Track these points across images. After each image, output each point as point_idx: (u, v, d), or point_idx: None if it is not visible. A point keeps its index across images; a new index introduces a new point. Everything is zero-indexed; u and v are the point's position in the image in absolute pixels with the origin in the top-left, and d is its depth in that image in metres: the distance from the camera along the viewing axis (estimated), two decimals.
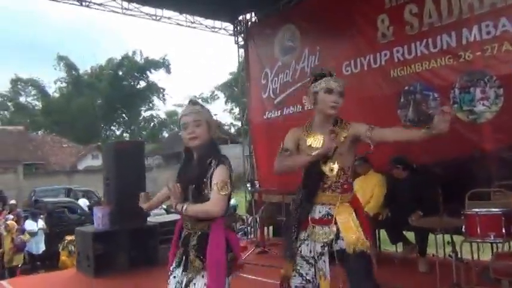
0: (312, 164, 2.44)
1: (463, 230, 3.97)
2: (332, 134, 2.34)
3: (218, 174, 2.28)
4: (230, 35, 8.60)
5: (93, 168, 24.03)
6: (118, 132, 40.89)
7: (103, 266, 5.69)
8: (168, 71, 39.04)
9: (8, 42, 51.89)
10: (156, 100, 40.93)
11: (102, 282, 5.49)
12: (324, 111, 2.49)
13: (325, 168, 2.44)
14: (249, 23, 8.41)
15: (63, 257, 8.60)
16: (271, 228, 7.76)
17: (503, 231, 3.76)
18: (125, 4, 7.32)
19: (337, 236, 2.38)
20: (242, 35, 8.45)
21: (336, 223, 2.39)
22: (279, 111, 7.53)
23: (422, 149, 5.38)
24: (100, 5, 7.13)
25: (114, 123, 41.25)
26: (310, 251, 2.44)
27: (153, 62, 38.50)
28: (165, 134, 41.06)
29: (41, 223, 9.58)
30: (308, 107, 2.66)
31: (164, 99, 40.83)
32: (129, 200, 5.77)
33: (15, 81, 37.57)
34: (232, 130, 35.31)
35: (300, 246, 2.46)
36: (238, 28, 8.48)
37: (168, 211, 9.42)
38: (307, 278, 2.44)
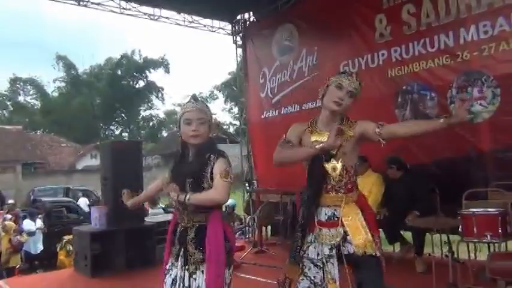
0: (314, 163, 2.37)
1: (460, 230, 3.96)
2: (339, 131, 2.28)
3: (220, 165, 2.33)
4: (228, 34, 8.59)
5: (91, 168, 24.00)
6: (117, 132, 40.91)
7: (100, 265, 5.68)
8: (167, 70, 39.07)
9: (7, 41, 51.80)
10: (155, 100, 40.97)
11: (99, 282, 5.49)
12: (327, 105, 2.43)
13: (328, 167, 2.38)
14: (247, 22, 8.42)
15: (61, 257, 8.59)
16: (269, 228, 7.77)
17: (500, 231, 3.75)
18: (123, 4, 7.31)
19: (345, 238, 2.34)
20: (240, 34, 8.45)
21: (342, 225, 2.34)
22: (277, 111, 7.54)
23: (420, 149, 5.40)
24: (98, 4, 7.12)
25: (113, 123, 41.24)
26: (318, 254, 2.38)
27: (152, 61, 38.49)
28: (164, 134, 41.04)
29: (39, 223, 9.55)
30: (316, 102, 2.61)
31: (163, 99, 40.86)
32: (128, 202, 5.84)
33: (14, 81, 37.55)
34: (232, 130, 35.31)
35: (307, 248, 2.40)
36: (237, 28, 8.48)
37: (166, 211, 9.41)
38: (315, 281, 2.38)
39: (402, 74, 5.66)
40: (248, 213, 8.02)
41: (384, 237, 5.30)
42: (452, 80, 5.16)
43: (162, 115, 42.97)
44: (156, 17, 7.76)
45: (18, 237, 8.47)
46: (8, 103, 38.35)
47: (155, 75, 42.36)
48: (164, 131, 42.37)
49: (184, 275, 2.35)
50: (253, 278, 5.25)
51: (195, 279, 2.32)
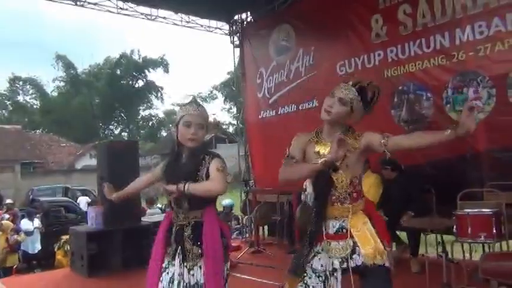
0: (319, 175, 2.30)
1: (454, 230, 3.97)
2: (340, 141, 2.18)
3: (215, 164, 2.40)
4: (226, 34, 8.60)
5: (90, 168, 23.93)
6: (116, 132, 40.87)
7: (97, 265, 5.69)
8: (167, 70, 39.01)
9: (7, 41, 51.78)
10: (154, 99, 40.93)
11: (95, 281, 5.50)
12: (321, 115, 2.39)
13: (336, 179, 2.33)
14: (245, 22, 8.42)
15: (59, 257, 8.57)
16: (266, 227, 7.77)
17: (494, 231, 3.76)
18: (120, 4, 7.32)
19: (353, 250, 2.27)
20: (238, 34, 8.45)
21: (351, 236, 2.28)
22: (274, 111, 7.55)
23: (417, 149, 5.38)
24: (95, 4, 7.13)
25: (113, 122, 41.21)
26: (322, 265, 2.33)
27: (151, 61, 38.43)
28: (164, 133, 41.02)
29: (36, 222, 9.53)
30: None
31: (162, 99, 40.81)
32: (123, 200, 5.84)
33: (13, 80, 37.53)
34: (231, 129, 35.29)
35: (312, 258, 2.35)
36: (234, 28, 8.49)
37: (163, 210, 9.40)
38: None
39: (398, 74, 5.67)
40: (245, 213, 8.02)
41: None
42: (448, 80, 5.18)
43: (161, 115, 42.97)
44: (153, 17, 7.76)
45: (15, 236, 8.46)
46: (8, 103, 38.32)
47: (154, 75, 42.30)
48: (163, 131, 42.35)
49: (183, 271, 2.38)
50: (249, 278, 5.26)
51: (193, 274, 2.37)
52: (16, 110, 37.68)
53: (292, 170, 2.38)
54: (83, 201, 14.54)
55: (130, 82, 39.10)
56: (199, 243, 2.38)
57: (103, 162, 6.25)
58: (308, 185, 6.49)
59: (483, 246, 4.20)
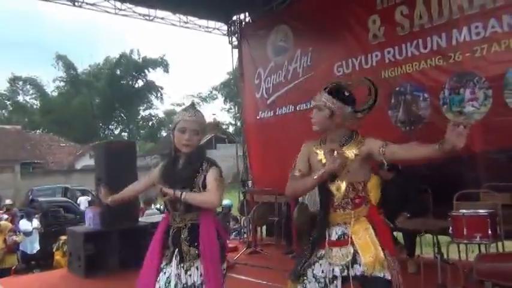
0: (320, 184, 2.34)
1: (450, 231, 3.97)
2: (332, 154, 2.22)
3: (213, 173, 2.45)
4: (224, 35, 8.61)
5: (90, 168, 23.87)
6: (116, 132, 40.85)
7: (94, 266, 5.69)
8: (166, 70, 38.99)
9: (6, 41, 51.79)
10: (154, 99, 40.91)
11: (92, 282, 5.50)
12: None
13: (332, 188, 2.34)
14: (243, 23, 8.42)
15: (58, 257, 8.57)
16: (264, 228, 7.77)
17: (489, 232, 3.76)
18: (118, 4, 7.33)
19: (354, 258, 2.26)
20: (236, 35, 8.45)
21: (352, 243, 2.27)
22: (272, 112, 7.55)
23: None
24: (93, 5, 7.14)
25: (113, 122, 41.20)
26: (322, 271, 2.33)
27: (151, 60, 38.42)
28: (164, 133, 41.01)
29: (35, 222, 9.54)
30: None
31: (162, 99, 40.78)
32: (119, 204, 5.84)
33: (13, 80, 37.53)
34: (231, 129, 35.29)
35: (314, 263, 2.37)
36: (232, 28, 8.49)
37: (160, 211, 9.41)
38: None
39: (395, 75, 5.68)
40: (242, 213, 8.02)
41: None
42: (445, 81, 5.19)
43: (161, 115, 42.96)
44: (151, 18, 7.78)
45: (14, 237, 8.45)
46: (8, 103, 38.32)
47: (154, 75, 42.30)
48: (164, 131, 42.32)
49: (180, 272, 2.43)
50: (245, 278, 5.26)
51: (190, 275, 2.42)
52: (16, 110, 37.68)
53: (296, 184, 2.41)
54: (83, 201, 14.55)
55: (130, 82, 39.08)
56: (196, 244, 2.43)
57: (101, 162, 6.25)
58: None
59: (479, 247, 4.20)
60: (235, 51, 8.52)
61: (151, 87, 39.58)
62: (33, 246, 9.29)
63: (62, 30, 59.46)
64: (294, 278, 2.40)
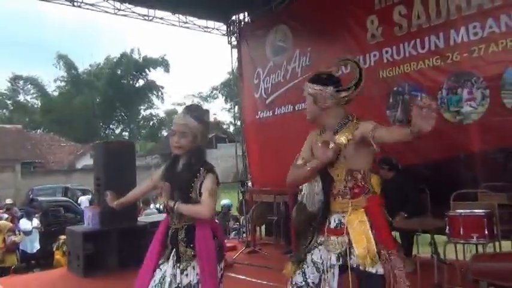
0: (321, 170, 2.36)
1: (447, 231, 3.98)
2: (324, 145, 2.24)
3: (209, 182, 2.51)
4: (223, 35, 8.61)
5: (91, 167, 23.90)
6: (117, 131, 40.86)
7: (93, 265, 5.72)
8: (167, 69, 38.98)
9: (7, 40, 51.83)
10: (155, 99, 40.90)
11: (91, 281, 5.52)
12: None
13: (333, 174, 2.36)
14: (242, 23, 8.43)
15: (58, 256, 8.60)
16: (263, 227, 7.79)
17: (486, 232, 3.78)
18: (117, 5, 7.34)
19: (350, 249, 2.26)
20: (235, 35, 8.46)
21: (347, 233, 2.28)
22: (271, 111, 7.55)
23: (411, 150, 5.42)
24: (92, 5, 7.15)
25: (113, 122, 41.19)
26: (321, 257, 2.36)
27: (152, 60, 38.41)
28: (165, 133, 41.01)
29: (35, 222, 9.58)
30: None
31: (163, 98, 40.78)
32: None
33: (14, 80, 37.54)
34: (232, 129, 35.29)
35: (314, 249, 2.40)
36: (231, 28, 8.50)
37: (160, 211, 9.44)
38: (308, 281, 2.38)
39: (393, 75, 5.69)
40: (241, 213, 8.04)
41: None
42: (443, 81, 5.20)
43: (162, 114, 42.95)
44: (150, 18, 7.78)
45: (12, 237, 8.47)
46: (8, 102, 38.35)
47: (155, 74, 42.34)
48: (164, 131, 42.34)
49: (176, 272, 2.50)
50: (244, 278, 5.27)
51: (187, 275, 2.49)
52: (17, 109, 37.69)
53: (297, 172, 2.46)
54: (84, 200, 14.58)
55: (131, 82, 39.06)
56: (192, 245, 2.50)
57: (100, 162, 6.28)
58: (304, 186, 6.54)
59: (476, 247, 4.21)
60: (235, 51, 8.53)
61: (152, 87, 39.57)
62: (33, 245, 9.34)
63: (62, 29, 59.49)
64: (296, 262, 2.43)
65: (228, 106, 38.93)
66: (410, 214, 4.64)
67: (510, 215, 4.27)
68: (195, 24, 8.36)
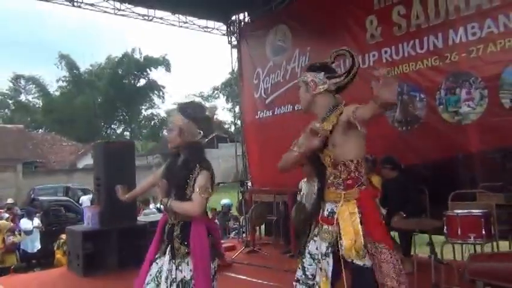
0: (313, 157, 2.43)
1: (445, 231, 3.99)
2: (312, 131, 2.29)
3: (201, 179, 2.55)
4: (223, 35, 8.62)
5: (92, 167, 23.97)
6: (119, 131, 40.89)
7: (92, 265, 5.74)
8: (168, 69, 38.99)
9: (7, 40, 51.90)
10: (156, 98, 40.91)
11: (91, 281, 5.53)
12: None
13: (325, 161, 2.39)
14: (242, 23, 8.44)
15: (59, 256, 8.62)
16: (263, 227, 7.79)
17: (483, 232, 3.78)
18: (117, 5, 7.36)
19: (340, 238, 2.28)
20: (235, 35, 8.47)
21: (337, 223, 2.29)
22: (270, 111, 7.57)
23: (410, 150, 5.44)
24: (92, 5, 7.17)
25: (115, 122, 41.22)
26: (317, 248, 2.39)
27: (153, 59, 38.40)
28: (166, 133, 40.96)
29: (36, 221, 9.61)
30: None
31: (164, 98, 40.78)
32: (119, 200, 5.86)
33: (15, 79, 37.59)
34: (233, 129, 35.27)
35: (309, 241, 2.44)
36: (231, 28, 8.51)
37: (160, 210, 9.46)
38: (307, 273, 2.41)
39: (392, 75, 5.65)
40: (241, 213, 8.05)
41: None
42: (441, 81, 5.21)
43: (163, 114, 42.91)
44: (150, 18, 7.80)
45: (11, 237, 8.47)
46: (10, 102, 38.42)
47: (156, 74, 42.30)
48: (165, 130, 42.30)
49: (172, 268, 2.57)
50: (243, 277, 5.28)
51: (181, 270, 2.56)
52: (18, 109, 37.75)
53: (286, 157, 2.52)
54: (85, 200, 14.59)
55: (132, 81, 39.07)
56: (186, 243, 2.56)
57: (99, 162, 6.31)
58: (303, 186, 6.52)
59: (474, 247, 4.22)
60: (235, 51, 8.54)
61: (153, 86, 39.55)
62: (34, 245, 9.36)
63: (63, 29, 59.63)
64: (299, 255, 2.50)
65: (229, 106, 38.95)
66: (409, 214, 4.64)
67: (508, 215, 4.27)
68: (194, 24, 8.38)
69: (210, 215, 10.23)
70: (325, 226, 2.37)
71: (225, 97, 39.47)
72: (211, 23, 8.54)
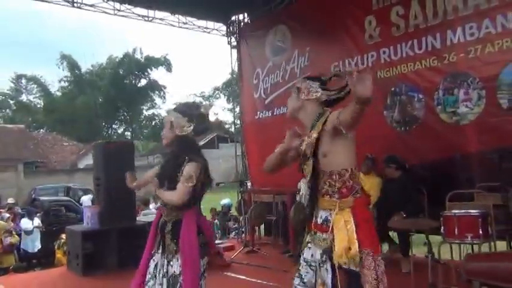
0: (300, 165, 2.46)
1: (442, 231, 4.00)
2: (293, 134, 2.36)
3: (187, 169, 2.62)
4: (223, 35, 8.64)
5: (92, 167, 24.04)
6: (120, 131, 40.93)
7: (92, 264, 5.75)
8: (169, 69, 38.99)
9: (7, 40, 51.98)
10: (157, 98, 40.93)
11: (91, 280, 5.54)
12: None
13: (305, 170, 2.42)
14: (241, 23, 8.46)
15: (59, 255, 8.64)
16: (262, 227, 7.80)
17: (480, 232, 3.80)
18: (117, 5, 7.38)
19: (334, 245, 2.27)
20: (235, 35, 8.49)
21: (332, 231, 2.28)
22: (270, 112, 7.59)
23: (408, 150, 5.44)
24: (92, 6, 7.19)
25: (116, 122, 41.25)
26: (312, 255, 2.39)
27: (154, 59, 38.40)
28: None
29: (36, 221, 9.64)
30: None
31: (165, 98, 40.80)
32: (119, 200, 5.90)
33: (16, 79, 37.64)
34: (233, 129, 35.27)
35: (304, 248, 2.43)
36: (231, 29, 8.53)
37: None
38: (304, 280, 2.39)
39: (391, 75, 5.71)
40: (240, 213, 8.06)
41: None
42: (439, 82, 5.22)
43: (164, 114, 42.89)
44: (150, 19, 7.82)
45: (9, 239, 8.45)
46: (11, 102, 38.48)
47: (157, 74, 42.32)
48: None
49: (164, 262, 2.69)
50: (243, 277, 5.29)
51: (172, 266, 2.65)
52: (20, 109, 37.82)
53: (269, 157, 2.58)
54: (86, 200, 14.60)
55: (133, 81, 39.07)
56: (175, 240, 2.64)
57: (99, 162, 6.32)
58: (302, 186, 6.52)
59: (472, 247, 4.23)
60: (234, 51, 8.56)
61: (154, 86, 39.55)
62: (35, 244, 9.39)
63: (63, 29, 59.69)
64: (296, 262, 2.53)
65: (230, 106, 38.95)
66: (409, 214, 4.65)
67: (505, 215, 4.28)
68: (194, 24, 8.40)
69: (210, 215, 10.20)
70: (319, 233, 2.36)
71: (226, 97, 39.50)
72: (211, 24, 8.57)
